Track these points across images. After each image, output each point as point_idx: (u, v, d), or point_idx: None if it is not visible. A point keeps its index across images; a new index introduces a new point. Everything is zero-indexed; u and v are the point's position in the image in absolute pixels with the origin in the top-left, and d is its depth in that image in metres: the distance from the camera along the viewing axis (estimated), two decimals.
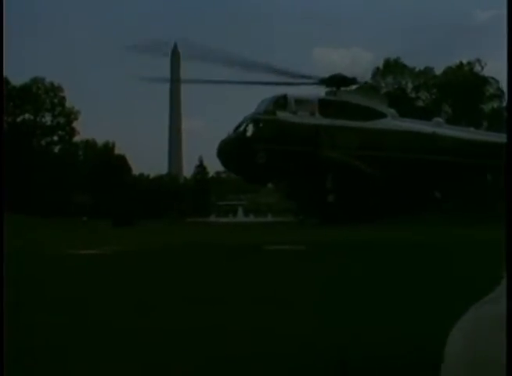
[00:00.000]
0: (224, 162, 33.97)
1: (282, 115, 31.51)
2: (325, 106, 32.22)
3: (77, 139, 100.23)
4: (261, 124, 31.68)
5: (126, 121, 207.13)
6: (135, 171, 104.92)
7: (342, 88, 33.37)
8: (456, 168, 33.56)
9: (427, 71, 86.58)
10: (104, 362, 7.52)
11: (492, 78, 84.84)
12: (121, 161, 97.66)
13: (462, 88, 79.97)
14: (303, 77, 32.50)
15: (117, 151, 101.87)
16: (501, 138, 33.61)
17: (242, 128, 32.00)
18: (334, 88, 33.37)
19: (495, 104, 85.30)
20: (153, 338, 8.79)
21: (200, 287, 14.76)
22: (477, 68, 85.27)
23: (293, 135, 31.02)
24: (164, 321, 10.14)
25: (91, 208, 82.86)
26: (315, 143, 31.34)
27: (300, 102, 32.05)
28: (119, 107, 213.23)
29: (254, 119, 32.07)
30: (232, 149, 31.59)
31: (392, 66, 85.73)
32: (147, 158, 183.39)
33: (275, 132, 31.05)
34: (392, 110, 35.19)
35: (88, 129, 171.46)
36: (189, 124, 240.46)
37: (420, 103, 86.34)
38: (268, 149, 30.88)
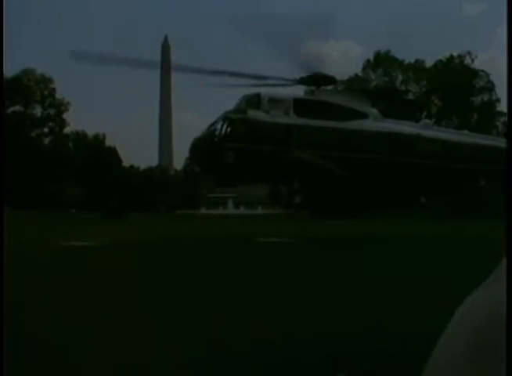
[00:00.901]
0: (195, 160, 33.40)
1: (253, 114, 30.67)
2: (300, 106, 31.28)
3: (67, 130, 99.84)
4: (231, 123, 30.93)
5: (116, 112, 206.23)
6: (125, 162, 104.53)
7: (322, 88, 32.43)
8: (443, 172, 32.29)
9: (418, 64, 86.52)
10: (104, 358, 7.61)
11: (483, 71, 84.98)
12: (112, 153, 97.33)
13: (452, 81, 79.96)
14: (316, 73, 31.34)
15: (107, 143, 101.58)
16: (497, 141, 32.91)
17: (213, 127, 31.40)
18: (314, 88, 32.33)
19: (486, 97, 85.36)
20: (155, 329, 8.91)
21: (196, 280, 14.95)
22: (468, 61, 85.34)
23: (264, 135, 30.18)
24: (164, 313, 10.27)
25: (81, 200, 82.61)
26: (286, 143, 30.50)
27: (274, 101, 31.17)
28: (109, 99, 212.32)
29: (225, 117, 31.33)
30: (202, 147, 31.07)
31: (382, 60, 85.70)
32: (137, 150, 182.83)
33: (245, 131, 30.26)
34: (375, 111, 34.24)
35: (79, 121, 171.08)
36: (180, 117, 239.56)
37: (410, 96, 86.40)
38: (236, 148, 30.04)
